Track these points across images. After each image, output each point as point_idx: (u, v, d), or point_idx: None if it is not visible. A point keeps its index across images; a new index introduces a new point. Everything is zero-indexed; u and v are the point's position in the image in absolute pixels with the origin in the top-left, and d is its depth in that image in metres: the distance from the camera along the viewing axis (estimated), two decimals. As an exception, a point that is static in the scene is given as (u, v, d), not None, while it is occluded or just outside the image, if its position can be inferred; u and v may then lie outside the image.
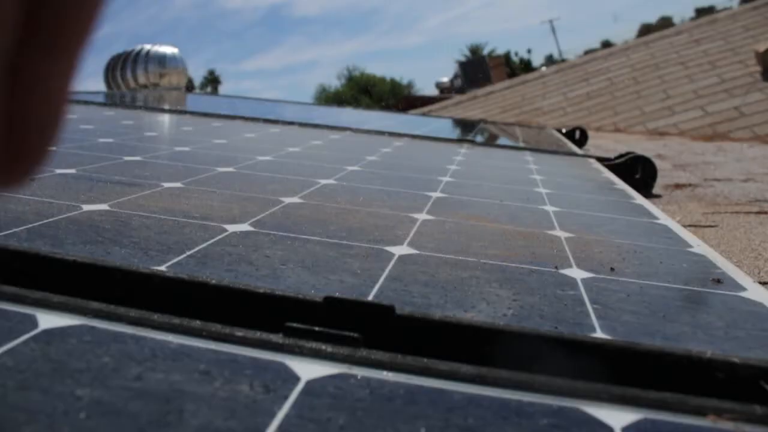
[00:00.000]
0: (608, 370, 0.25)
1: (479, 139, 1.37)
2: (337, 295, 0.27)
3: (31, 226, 0.37)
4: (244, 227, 0.41)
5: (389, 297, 0.30)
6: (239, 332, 0.25)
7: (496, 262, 0.39)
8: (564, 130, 2.00)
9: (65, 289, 0.27)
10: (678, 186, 1.23)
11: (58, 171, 0.55)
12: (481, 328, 0.26)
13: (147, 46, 3.07)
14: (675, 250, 0.47)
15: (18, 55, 0.11)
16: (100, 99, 1.60)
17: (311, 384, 0.22)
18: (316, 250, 0.39)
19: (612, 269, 0.39)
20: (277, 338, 0.25)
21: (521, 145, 1.41)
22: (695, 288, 0.38)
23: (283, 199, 0.51)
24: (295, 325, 0.26)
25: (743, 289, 0.37)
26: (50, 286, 0.27)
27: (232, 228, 0.40)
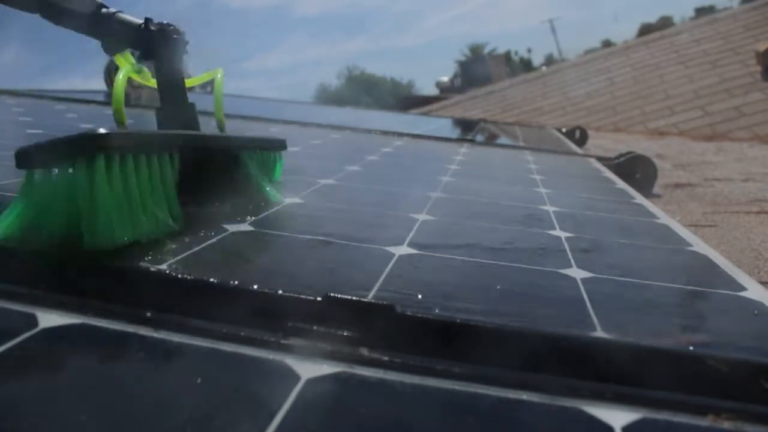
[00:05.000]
0: (608, 370, 0.25)
1: (479, 138, 1.37)
2: (336, 294, 0.27)
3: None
4: (245, 227, 0.41)
5: (389, 296, 0.30)
6: (239, 332, 0.25)
7: (497, 261, 0.39)
8: (564, 130, 2.00)
9: (65, 288, 0.27)
10: (678, 186, 1.23)
11: (58, 170, 0.55)
12: (481, 327, 0.26)
13: (147, 46, 3.07)
14: (675, 249, 0.47)
15: None
16: (101, 98, 1.60)
17: (311, 383, 0.22)
18: (316, 250, 0.39)
19: (612, 268, 0.39)
20: (277, 338, 0.25)
21: (521, 144, 1.41)
22: (695, 287, 0.38)
23: (282, 198, 0.51)
24: (295, 324, 0.26)
25: (743, 288, 0.37)
26: (50, 285, 0.27)
27: (232, 228, 0.40)
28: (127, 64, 0.43)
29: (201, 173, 0.40)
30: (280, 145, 0.55)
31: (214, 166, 0.43)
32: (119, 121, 0.36)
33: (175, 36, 0.43)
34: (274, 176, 0.55)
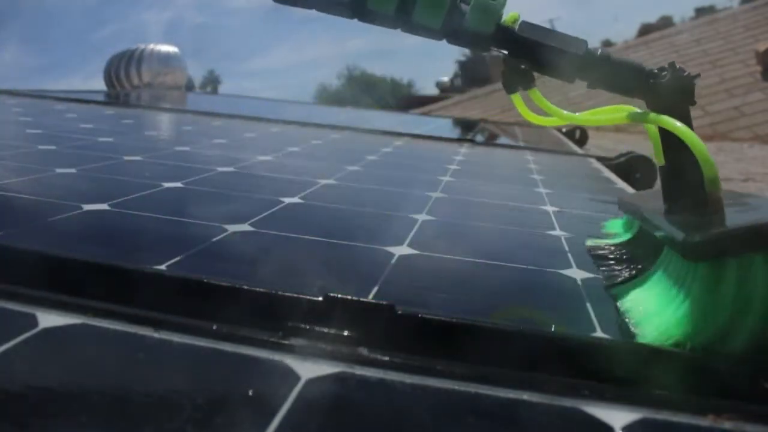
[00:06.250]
0: (608, 370, 0.25)
1: (479, 138, 1.37)
2: (336, 294, 0.27)
3: (31, 225, 0.37)
4: (244, 227, 0.41)
5: (389, 296, 0.30)
6: (239, 332, 0.25)
7: (497, 262, 0.39)
8: (564, 130, 2.00)
9: (65, 288, 0.27)
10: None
11: (58, 170, 0.55)
12: (481, 327, 0.26)
13: (147, 46, 3.07)
14: (675, 249, 0.47)
15: None
16: (100, 98, 1.60)
17: (311, 383, 0.22)
18: (317, 250, 0.39)
19: (612, 269, 0.39)
20: (276, 338, 0.25)
21: (521, 144, 1.41)
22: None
23: (283, 199, 0.51)
24: (295, 324, 0.26)
25: (743, 288, 0.37)
26: (50, 285, 0.27)
27: (232, 228, 0.40)
28: (522, 105, 0.35)
29: None
30: None
31: None
32: (716, 188, 0.29)
33: (692, 84, 0.34)
34: None
